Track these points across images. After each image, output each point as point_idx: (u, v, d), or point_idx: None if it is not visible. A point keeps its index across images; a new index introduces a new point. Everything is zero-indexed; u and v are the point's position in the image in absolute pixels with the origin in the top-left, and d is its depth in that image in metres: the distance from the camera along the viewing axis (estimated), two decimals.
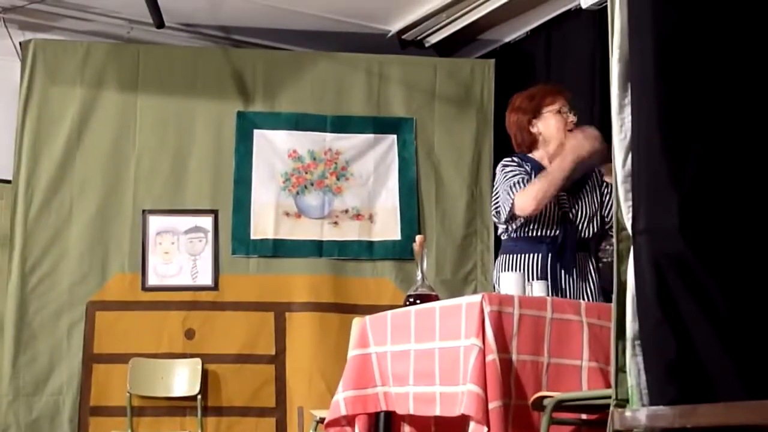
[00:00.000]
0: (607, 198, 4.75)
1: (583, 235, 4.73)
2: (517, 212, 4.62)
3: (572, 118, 4.78)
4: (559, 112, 4.78)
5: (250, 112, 6.76)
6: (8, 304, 6.29)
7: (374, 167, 6.81)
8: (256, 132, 6.74)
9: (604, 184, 4.77)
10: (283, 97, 6.80)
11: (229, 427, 6.41)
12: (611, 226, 4.43)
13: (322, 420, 4.75)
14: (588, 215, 4.72)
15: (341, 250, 6.70)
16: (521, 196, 4.58)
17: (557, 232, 4.68)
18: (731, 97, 2.54)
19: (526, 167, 4.74)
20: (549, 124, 4.79)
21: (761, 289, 2.44)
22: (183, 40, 7.06)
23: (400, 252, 6.68)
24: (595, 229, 4.77)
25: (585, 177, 4.78)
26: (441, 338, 3.77)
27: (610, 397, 2.67)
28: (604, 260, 5.24)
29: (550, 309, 3.72)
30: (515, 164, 4.75)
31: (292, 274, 6.61)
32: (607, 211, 4.76)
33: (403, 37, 7.08)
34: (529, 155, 4.83)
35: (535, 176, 4.68)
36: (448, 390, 3.69)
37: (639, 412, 2.49)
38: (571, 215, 4.71)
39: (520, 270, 4.56)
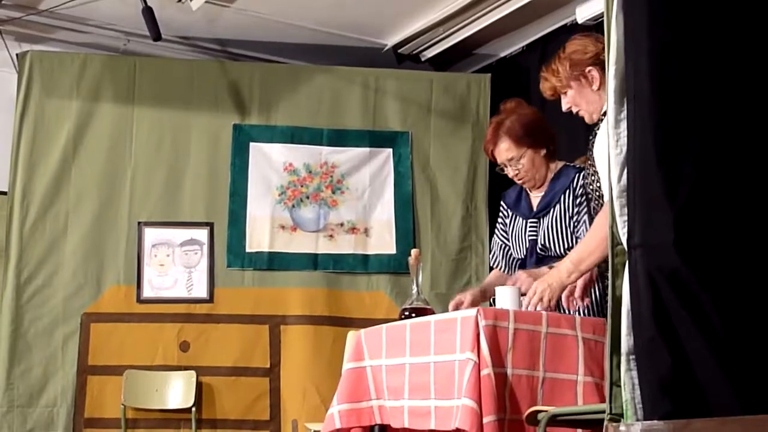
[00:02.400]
0: (578, 216, 4.50)
1: (550, 255, 4.54)
2: None
3: (509, 172, 4.67)
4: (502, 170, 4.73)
5: (246, 125, 6.76)
6: (3, 316, 6.28)
7: (370, 181, 6.82)
8: (252, 145, 6.75)
9: (579, 204, 4.51)
10: (280, 111, 6.82)
11: None
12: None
13: None
14: (553, 236, 4.54)
15: (336, 264, 6.70)
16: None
17: (524, 255, 4.64)
18: (726, 112, 2.55)
19: (506, 217, 4.80)
20: None
21: (756, 303, 2.45)
22: (179, 52, 7.08)
23: (395, 266, 6.68)
24: (561, 252, 4.48)
25: (553, 201, 4.59)
26: (436, 352, 3.77)
27: (604, 412, 2.67)
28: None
29: (545, 323, 3.72)
30: (500, 217, 4.85)
31: (287, 287, 6.61)
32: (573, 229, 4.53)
33: (399, 51, 7.09)
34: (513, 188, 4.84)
35: (512, 214, 4.74)
36: (443, 404, 3.69)
37: (633, 427, 2.50)
38: (539, 239, 4.58)
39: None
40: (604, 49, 4.27)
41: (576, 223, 4.48)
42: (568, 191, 4.54)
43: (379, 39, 6.99)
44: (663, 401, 2.44)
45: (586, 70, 4.22)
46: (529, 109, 4.76)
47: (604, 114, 3.85)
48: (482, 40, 6.95)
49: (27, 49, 6.65)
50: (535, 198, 4.68)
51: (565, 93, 4.29)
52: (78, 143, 6.55)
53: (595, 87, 4.20)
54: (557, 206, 4.55)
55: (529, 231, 4.61)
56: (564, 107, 4.38)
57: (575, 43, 4.33)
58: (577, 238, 4.46)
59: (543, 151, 4.63)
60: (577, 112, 4.31)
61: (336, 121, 6.85)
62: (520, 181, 4.68)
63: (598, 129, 4.08)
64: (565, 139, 5.17)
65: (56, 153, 6.50)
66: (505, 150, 4.62)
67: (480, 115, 6.96)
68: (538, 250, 4.57)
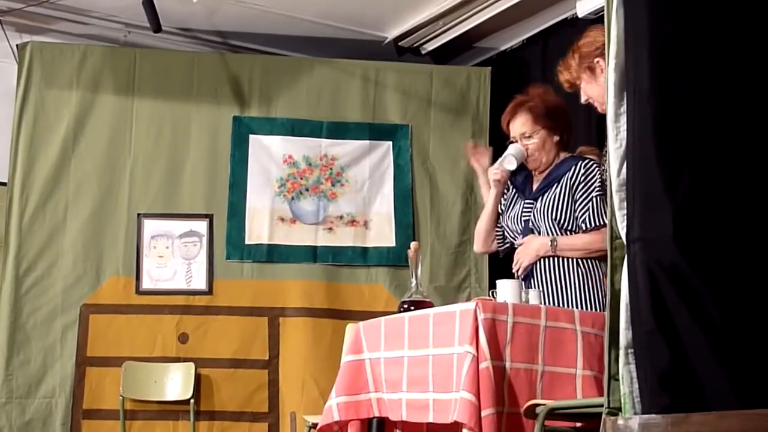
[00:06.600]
0: (581, 203, 4.51)
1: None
2: None
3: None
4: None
5: (246, 117, 6.76)
6: (2, 307, 6.28)
7: (369, 173, 6.82)
8: (252, 137, 6.74)
9: (587, 188, 4.53)
10: (279, 103, 6.81)
11: None
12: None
13: (314, 425, 4.75)
14: (542, 218, 4.57)
15: (335, 256, 6.70)
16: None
17: (516, 236, 4.69)
18: (726, 107, 2.55)
19: (507, 200, 4.89)
20: None
21: (754, 298, 2.45)
22: (180, 44, 7.07)
23: (395, 258, 6.68)
24: (551, 234, 4.55)
25: (551, 185, 4.62)
26: (434, 345, 3.77)
27: (602, 405, 2.68)
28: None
29: (544, 317, 3.73)
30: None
31: (286, 280, 6.61)
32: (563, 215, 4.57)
33: (399, 44, 7.08)
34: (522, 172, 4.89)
35: (515, 194, 4.80)
36: (441, 397, 3.69)
37: (631, 421, 2.50)
38: (531, 220, 4.66)
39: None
40: None
41: (567, 211, 4.52)
42: (565, 178, 4.58)
43: (379, 32, 6.99)
44: (661, 395, 2.45)
45: (594, 62, 4.25)
46: (555, 97, 4.80)
47: None
48: (483, 33, 6.94)
49: (27, 40, 6.64)
50: (537, 182, 4.73)
51: (579, 85, 4.33)
52: (78, 134, 6.54)
53: (602, 78, 4.20)
54: (553, 189, 4.59)
55: (524, 212, 4.68)
56: (582, 99, 4.41)
57: (587, 36, 4.36)
58: (564, 224, 4.52)
59: (556, 138, 4.68)
60: (591, 103, 4.34)
61: (336, 113, 6.85)
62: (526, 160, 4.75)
63: None
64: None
65: (56, 144, 6.50)
66: (521, 124, 4.69)
67: (480, 109, 6.96)
68: (531, 230, 4.61)
